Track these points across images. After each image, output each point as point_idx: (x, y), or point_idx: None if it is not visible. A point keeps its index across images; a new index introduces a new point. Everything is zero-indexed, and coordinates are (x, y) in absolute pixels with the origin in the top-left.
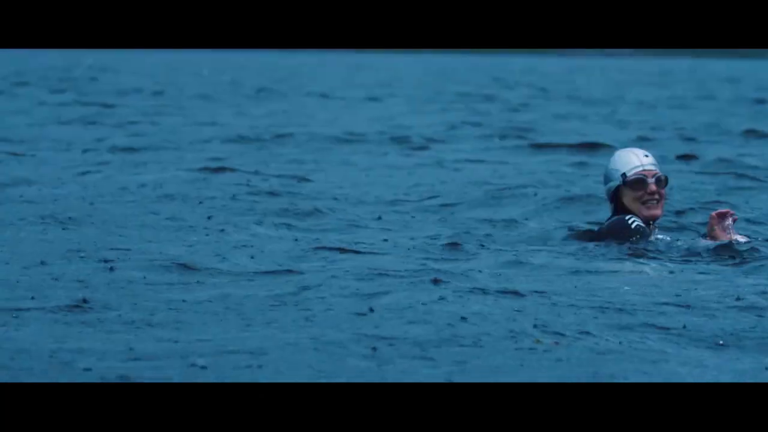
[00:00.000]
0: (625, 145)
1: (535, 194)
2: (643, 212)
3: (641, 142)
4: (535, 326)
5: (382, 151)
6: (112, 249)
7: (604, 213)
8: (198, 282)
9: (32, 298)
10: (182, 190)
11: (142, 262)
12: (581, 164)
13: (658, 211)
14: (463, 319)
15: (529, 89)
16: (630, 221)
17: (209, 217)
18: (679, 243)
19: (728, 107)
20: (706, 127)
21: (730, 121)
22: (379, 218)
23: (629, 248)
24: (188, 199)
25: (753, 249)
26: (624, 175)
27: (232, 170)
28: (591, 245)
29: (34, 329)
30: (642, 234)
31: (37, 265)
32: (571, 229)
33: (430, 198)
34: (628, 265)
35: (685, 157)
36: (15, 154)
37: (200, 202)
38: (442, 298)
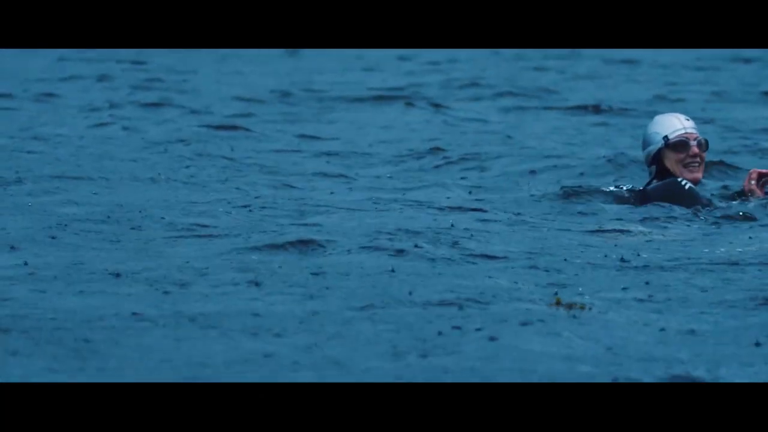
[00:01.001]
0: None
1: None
2: (685, 175)
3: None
4: (579, 293)
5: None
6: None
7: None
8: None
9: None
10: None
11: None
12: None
13: (699, 174)
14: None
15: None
16: (684, 183)
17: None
18: (734, 203)
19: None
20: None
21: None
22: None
23: (690, 211)
24: (207, 155)
25: None
26: (666, 137)
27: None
28: (648, 209)
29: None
30: (696, 196)
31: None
32: (606, 192)
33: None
34: (696, 228)
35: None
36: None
37: (229, 158)
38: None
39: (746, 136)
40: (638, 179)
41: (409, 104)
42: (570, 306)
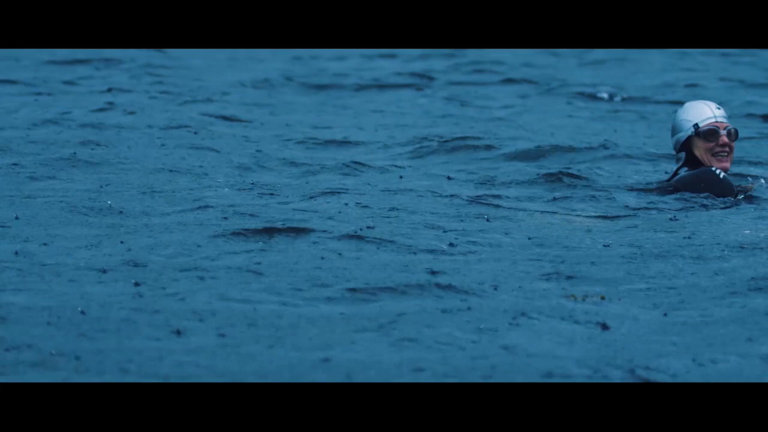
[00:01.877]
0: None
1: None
2: (713, 164)
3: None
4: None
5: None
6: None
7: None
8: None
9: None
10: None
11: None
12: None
13: (727, 164)
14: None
15: None
16: (718, 173)
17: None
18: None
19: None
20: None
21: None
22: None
23: (723, 200)
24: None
25: None
26: (696, 125)
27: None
28: (681, 197)
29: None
30: (729, 186)
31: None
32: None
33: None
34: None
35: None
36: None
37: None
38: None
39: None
40: (643, 171)
41: (419, 89)
42: (583, 297)
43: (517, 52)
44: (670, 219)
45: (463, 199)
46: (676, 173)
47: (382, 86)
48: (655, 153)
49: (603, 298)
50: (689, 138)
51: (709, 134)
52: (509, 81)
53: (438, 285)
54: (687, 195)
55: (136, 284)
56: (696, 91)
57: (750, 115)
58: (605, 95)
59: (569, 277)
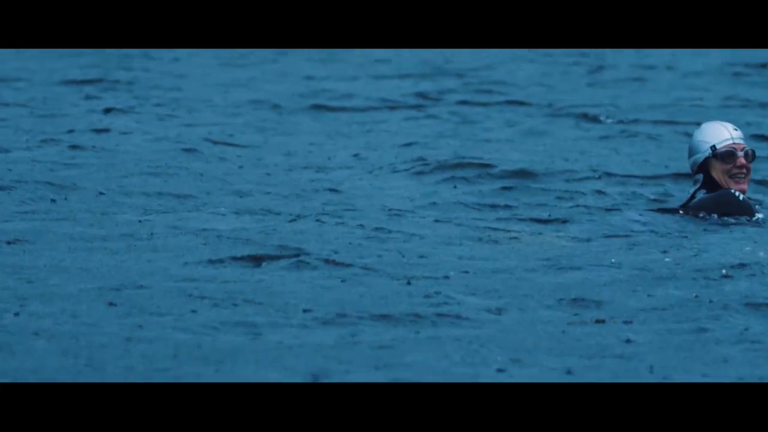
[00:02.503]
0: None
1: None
2: (731, 185)
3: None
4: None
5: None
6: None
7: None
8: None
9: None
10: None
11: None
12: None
13: (744, 186)
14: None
15: None
16: (738, 195)
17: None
18: None
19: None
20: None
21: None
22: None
23: (743, 221)
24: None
25: None
26: (714, 147)
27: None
28: (701, 219)
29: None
30: (749, 208)
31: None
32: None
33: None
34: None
35: None
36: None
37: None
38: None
39: None
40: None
41: (421, 109)
42: (598, 321)
43: (522, 73)
44: (693, 241)
45: (465, 223)
46: (693, 196)
47: (382, 107)
48: (664, 174)
49: (607, 320)
50: (706, 159)
51: (726, 156)
52: (513, 102)
53: (440, 314)
54: (707, 216)
55: (111, 304)
56: (701, 110)
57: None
58: (607, 119)
59: (576, 300)
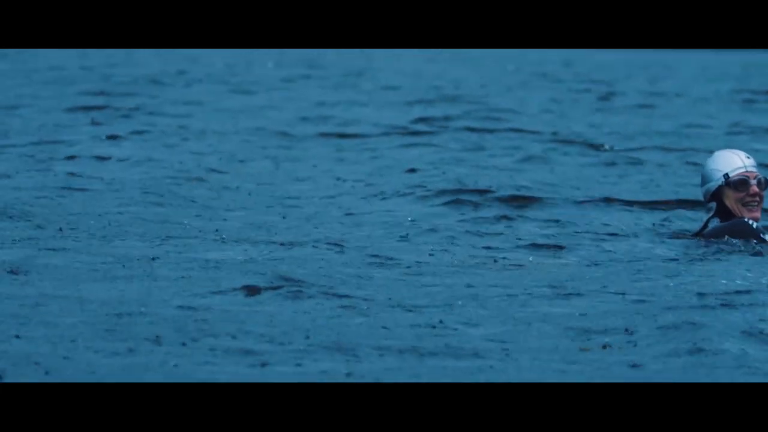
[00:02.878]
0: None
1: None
2: (744, 213)
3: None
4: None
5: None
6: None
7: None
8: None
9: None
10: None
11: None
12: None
13: (757, 213)
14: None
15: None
16: (752, 223)
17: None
18: None
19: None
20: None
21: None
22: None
23: (753, 249)
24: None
25: None
26: (726, 175)
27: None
28: (715, 247)
29: None
30: (763, 237)
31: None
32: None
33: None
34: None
35: None
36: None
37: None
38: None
39: None
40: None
41: (428, 135)
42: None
43: (531, 100)
44: (702, 267)
45: (470, 250)
46: (706, 224)
47: (391, 133)
48: (672, 200)
49: (612, 346)
50: (720, 188)
51: (739, 184)
52: (520, 130)
53: (448, 346)
54: (722, 245)
55: (109, 331)
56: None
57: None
58: (612, 147)
59: (581, 327)
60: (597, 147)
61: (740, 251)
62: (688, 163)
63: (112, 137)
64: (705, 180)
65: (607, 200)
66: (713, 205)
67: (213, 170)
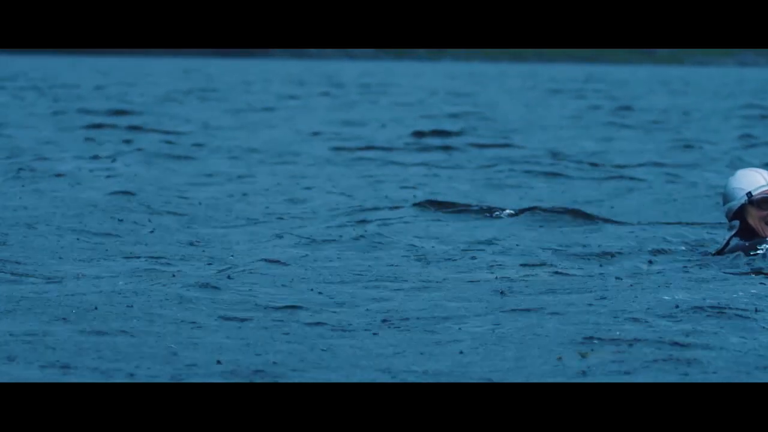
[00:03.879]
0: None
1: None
2: (767, 232)
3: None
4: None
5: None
6: None
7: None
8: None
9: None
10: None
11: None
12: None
13: None
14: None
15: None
16: None
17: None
18: None
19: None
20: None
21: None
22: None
23: None
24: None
25: None
26: (749, 194)
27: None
28: (737, 265)
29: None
30: None
31: None
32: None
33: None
34: None
35: None
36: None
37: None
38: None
39: None
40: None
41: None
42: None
43: (543, 118)
44: (728, 286)
45: (476, 276)
46: (728, 242)
47: (403, 149)
48: (685, 221)
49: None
50: (742, 206)
51: (762, 202)
52: (520, 148)
53: (464, 366)
54: (742, 262)
55: (97, 350)
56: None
57: None
58: (622, 166)
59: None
60: (616, 165)
61: (760, 270)
62: (702, 180)
63: (113, 159)
64: (727, 199)
65: (626, 217)
66: (736, 223)
67: (220, 185)
